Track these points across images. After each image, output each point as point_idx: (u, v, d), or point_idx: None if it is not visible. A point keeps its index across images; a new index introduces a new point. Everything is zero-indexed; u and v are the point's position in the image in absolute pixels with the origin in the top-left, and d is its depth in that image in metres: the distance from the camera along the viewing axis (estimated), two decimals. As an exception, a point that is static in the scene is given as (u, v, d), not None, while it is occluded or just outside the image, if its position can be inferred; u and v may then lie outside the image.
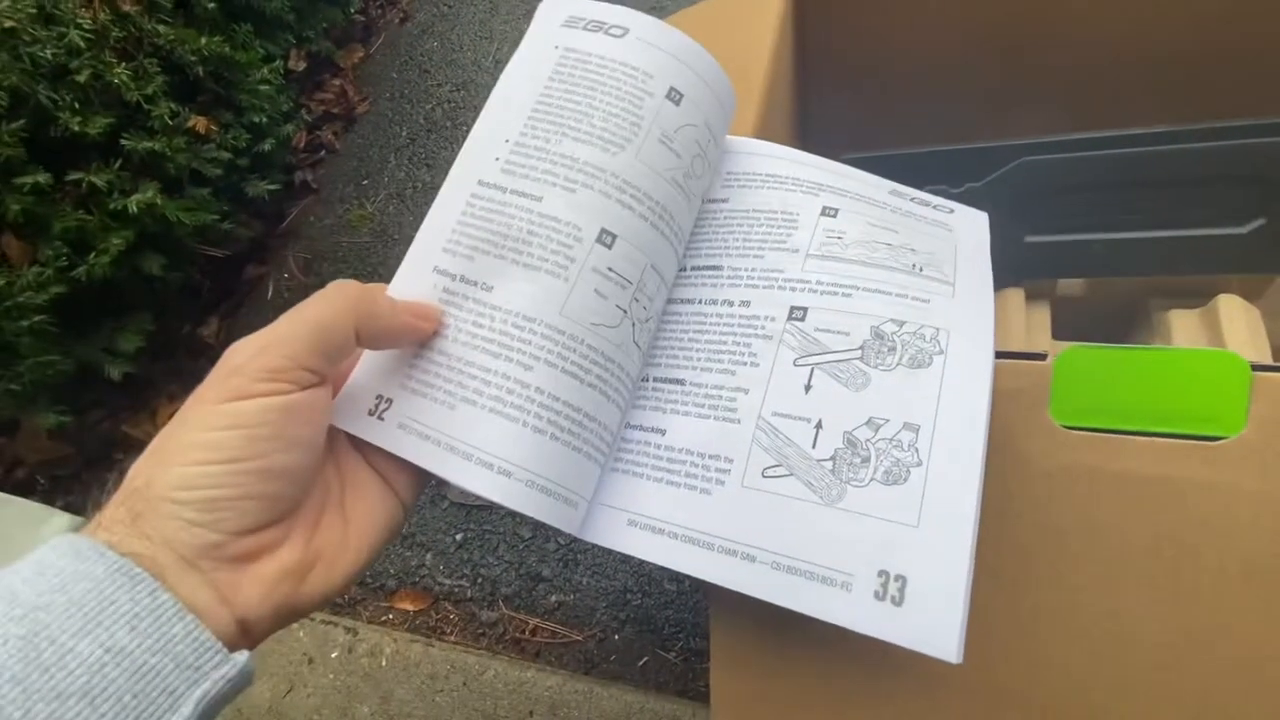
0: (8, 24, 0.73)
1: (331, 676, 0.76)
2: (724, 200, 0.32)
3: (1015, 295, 0.49)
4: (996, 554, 0.25)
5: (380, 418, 0.25)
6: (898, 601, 0.22)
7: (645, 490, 0.26)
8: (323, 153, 1.24)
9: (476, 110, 0.29)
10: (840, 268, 0.28)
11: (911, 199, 0.32)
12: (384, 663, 0.76)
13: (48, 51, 0.76)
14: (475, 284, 0.26)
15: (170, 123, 0.88)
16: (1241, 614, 0.24)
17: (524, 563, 0.81)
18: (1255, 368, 0.24)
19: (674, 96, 0.28)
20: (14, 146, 0.75)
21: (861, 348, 0.26)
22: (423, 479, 0.26)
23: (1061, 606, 0.25)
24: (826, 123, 0.49)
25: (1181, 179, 0.42)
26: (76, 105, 0.79)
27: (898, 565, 0.22)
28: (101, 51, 0.82)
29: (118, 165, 0.84)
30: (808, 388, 0.26)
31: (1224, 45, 0.40)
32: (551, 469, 0.25)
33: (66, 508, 0.88)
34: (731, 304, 0.29)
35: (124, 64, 0.83)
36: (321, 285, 0.23)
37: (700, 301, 0.29)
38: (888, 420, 0.24)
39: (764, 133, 0.35)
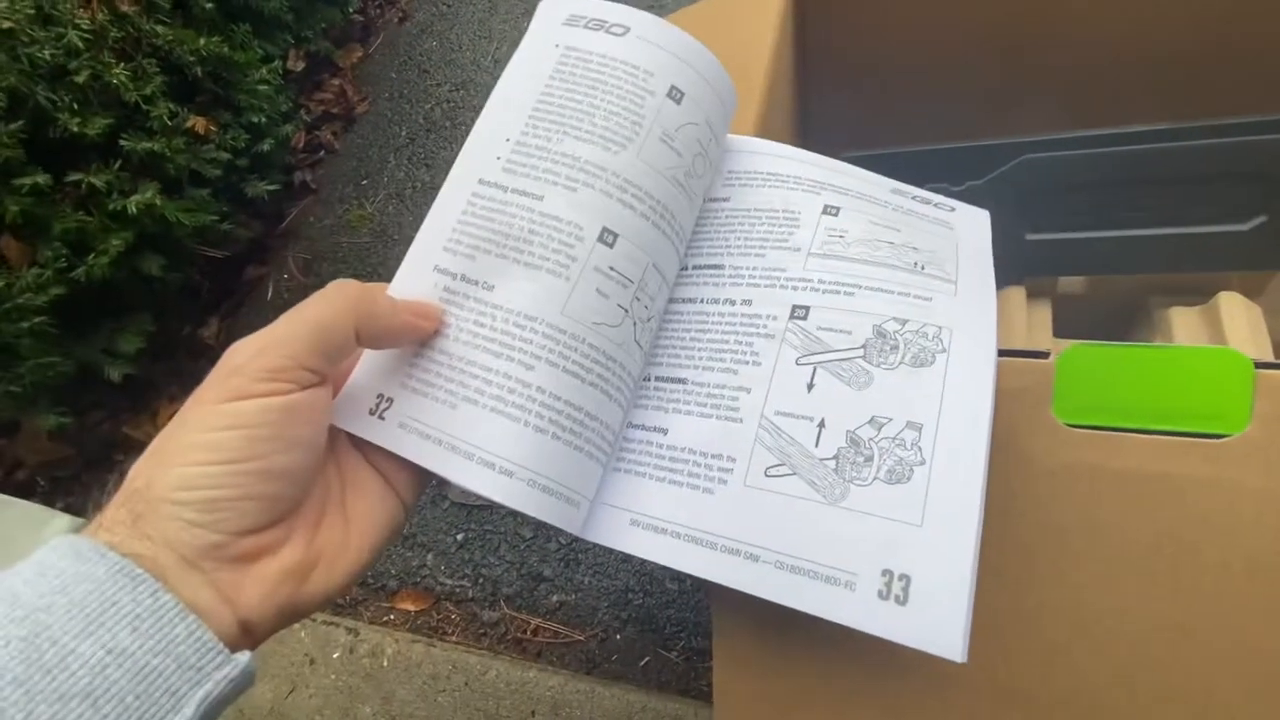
0: (6, 25, 0.73)
1: (333, 677, 0.76)
2: (725, 199, 0.32)
3: (1016, 293, 0.49)
4: (999, 552, 0.25)
5: (381, 417, 0.25)
6: (902, 601, 0.22)
7: (648, 490, 0.26)
8: (322, 153, 1.24)
9: (476, 110, 0.29)
10: (842, 266, 0.28)
11: (913, 197, 0.32)
12: (385, 663, 0.76)
13: (46, 52, 0.76)
14: (476, 283, 0.26)
15: (169, 123, 0.88)
16: (1244, 611, 0.24)
17: (525, 562, 0.81)
18: (1258, 365, 0.24)
19: (675, 95, 0.28)
20: (13, 147, 0.75)
21: (864, 346, 0.26)
22: (424, 479, 0.26)
23: (1064, 604, 0.25)
24: (827, 121, 0.49)
25: (1183, 176, 0.42)
26: (75, 106, 0.79)
27: (902, 564, 0.22)
28: (100, 52, 0.81)
29: (117, 166, 0.84)
30: (810, 387, 0.26)
31: (1224, 43, 0.40)
32: (553, 469, 0.25)
33: (67, 509, 0.88)
34: (733, 303, 0.29)
35: (122, 64, 0.83)
36: (321, 285, 0.23)
37: (702, 300, 0.29)
38: (890, 419, 0.24)
39: (765, 131, 0.35)
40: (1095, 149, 0.43)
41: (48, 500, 0.96)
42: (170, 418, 0.21)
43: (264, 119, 1.03)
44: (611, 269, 0.26)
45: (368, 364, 0.26)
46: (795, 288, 0.28)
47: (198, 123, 0.93)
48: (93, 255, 0.83)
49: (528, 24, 0.30)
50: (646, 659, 0.74)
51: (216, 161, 0.96)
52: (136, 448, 0.96)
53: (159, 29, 0.88)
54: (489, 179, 0.27)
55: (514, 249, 0.26)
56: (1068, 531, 0.25)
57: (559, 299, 0.25)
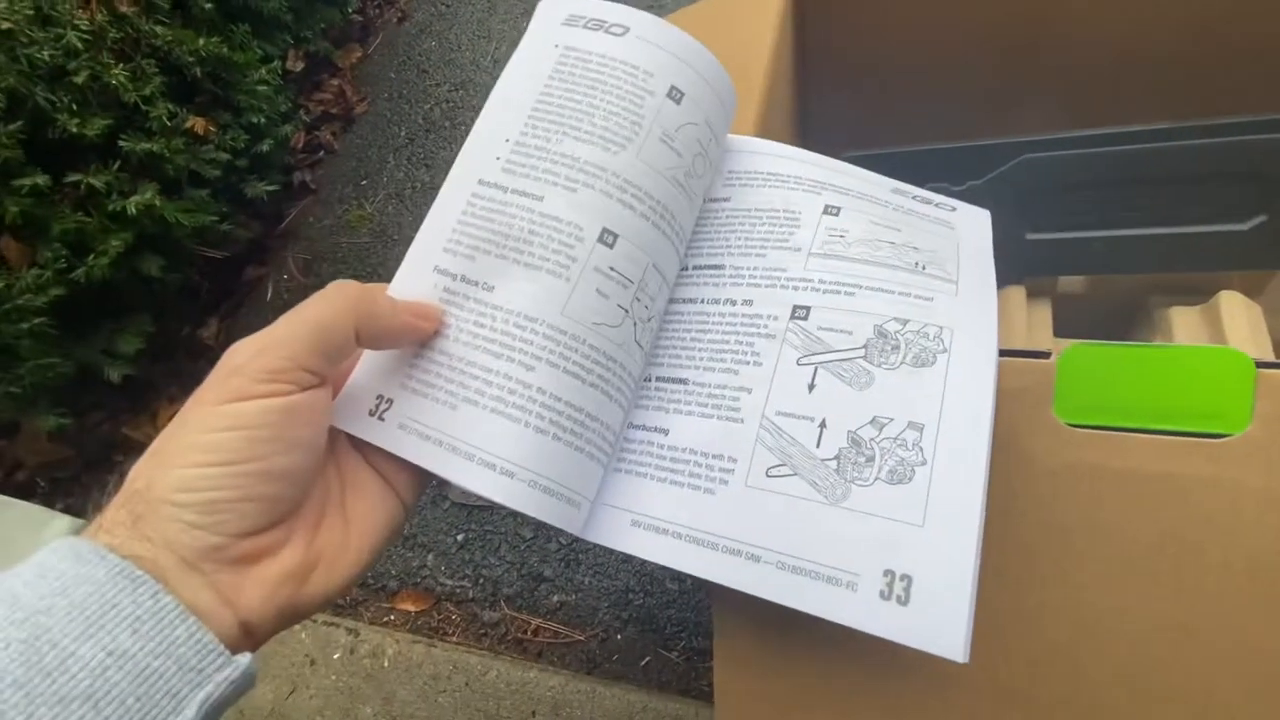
0: (5, 26, 0.73)
1: (334, 678, 0.76)
2: (725, 199, 0.32)
3: (1016, 293, 0.49)
4: (1001, 552, 0.25)
5: (381, 418, 0.25)
6: (903, 601, 0.22)
7: (648, 490, 0.26)
8: (321, 153, 1.24)
9: (475, 110, 0.29)
10: (843, 266, 0.28)
11: (913, 197, 0.32)
12: (386, 664, 0.76)
13: (45, 53, 0.76)
14: (476, 284, 0.26)
15: (168, 124, 0.88)
16: (1246, 611, 0.24)
17: (526, 563, 0.81)
18: (1258, 364, 0.24)
19: (675, 95, 0.28)
20: (12, 148, 0.75)
21: (865, 346, 0.26)
22: (424, 479, 0.26)
23: (1066, 604, 0.25)
24: (827, 121, 0.49)
25: (1182, 176, 0.42)
26: (74, 107, 0.79)
27: (903, 564, 0.22)
28: (99, 53, 0.81)
29: (116, 167, 0.84)
30: (811, 387, 0.26)
31: (1224, 43, 0.40)
32: (554, 469, 0.25)
33: (66, 510, 0.88)
34: (734, 303, 0.29)
35: (122, 65, 0.83)
36: (321, 286, 0.23)
37: (703, 301, 0.29)
38: (892, 419, 0.24)
39: (765, 131, 0.35)
40: (1095, 149, 0.43)
41: (47, 501, 0.96)
42: (170, 418, 0.21)
43: (263, 119, 1.03)
44: (612, 269, 0.26)
45: (367, 365, 0.26)
46: (796, 288, 0.28)
47: (197, 123, 0.93)
48: (92, 256, 0.83)
49: (527, 24, 0.30)
50: (647, 659, 0.74)
51: (216, 162, 0.96)
52: (136, 448, 0.96)
53: (158, 29, 0.88)
54: (489, 179, 0.27)
55: (514, 249, 0.26)
56: (1069, 531, 0.25)
57: (559, 299, 0.25)
